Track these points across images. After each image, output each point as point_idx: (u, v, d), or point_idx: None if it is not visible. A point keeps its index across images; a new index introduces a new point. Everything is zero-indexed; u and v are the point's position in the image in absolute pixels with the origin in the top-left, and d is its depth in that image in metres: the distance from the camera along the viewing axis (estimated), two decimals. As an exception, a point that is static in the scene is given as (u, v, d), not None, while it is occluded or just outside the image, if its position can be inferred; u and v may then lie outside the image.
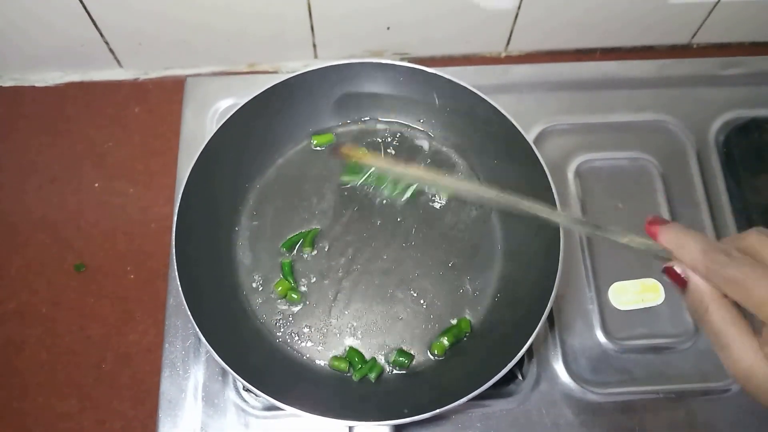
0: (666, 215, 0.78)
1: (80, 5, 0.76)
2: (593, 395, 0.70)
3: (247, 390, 0.70)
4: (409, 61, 0.74)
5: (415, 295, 0.72)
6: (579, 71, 0.87)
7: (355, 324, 0.71)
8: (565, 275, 0.65)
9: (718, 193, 0.80)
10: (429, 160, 0.78)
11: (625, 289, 0.75)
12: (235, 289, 0.71)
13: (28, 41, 0.83)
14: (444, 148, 0.79)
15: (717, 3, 0.83)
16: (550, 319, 0.73)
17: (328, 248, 0.74)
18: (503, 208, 0.56)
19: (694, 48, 0.92)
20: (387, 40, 0.87)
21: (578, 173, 0.81)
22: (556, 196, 0.66)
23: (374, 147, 0.79)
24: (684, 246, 0.41)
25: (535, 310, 0.62)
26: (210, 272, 0.69)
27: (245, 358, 0.64)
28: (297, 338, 0.70)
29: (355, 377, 0.67)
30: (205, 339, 0.60)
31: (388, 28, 0.85)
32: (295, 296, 0.71)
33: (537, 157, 0.68)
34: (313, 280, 0.72)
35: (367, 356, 0.69)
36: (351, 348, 0.69)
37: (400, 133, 0.80)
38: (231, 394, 0.70)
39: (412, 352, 0.69)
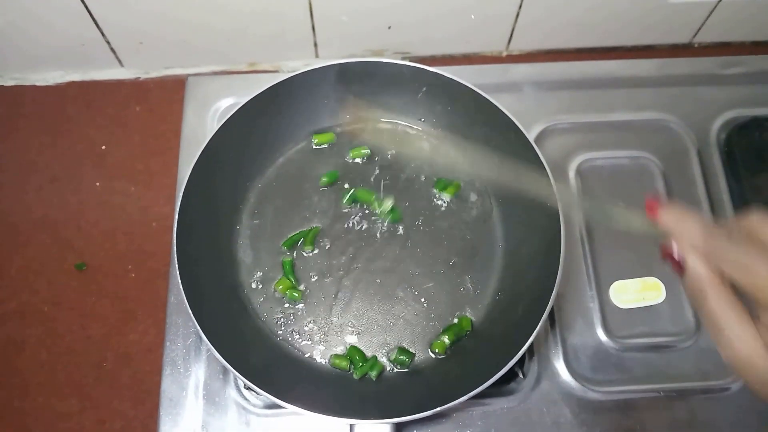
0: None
1: (81, 5, 0.76)
2: (594, 393, 0.70)
3: (248, 388, 0.69)
4: (410, 61, 0.74)
5: (416, 293, 0.72)
6: (580, 70, 0.87)
7: (356, 322, 0.71)
8: (566, 274, 0.65)
9: (719, 191, 0.80)
10: (430, 160, 0.78)
11: (626, 288, 0.75)
12: (236, 288, 0.71)
13: (29, 41, 0.83)
14: (445, 148, 0.79)
15: (718, 3, 0.83)
16: (551, 317, 0.73)
17: (329, 247, 0.74)
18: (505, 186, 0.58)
19: (696, 47, 0.92)
20: (388, 40, 0.87)
21: (579, 172, 0.81)
22: (557, 194, 0.66)
23: (375, 147, 0.79)
24: (684, 228, 0.40)
25: (535, 308, 0.62)
26: (211, 271, 0.69)
27: (246, 357, 0.64)
28: (298, 336, 0.70)
29: (356, 375, 0.67)
30: (206, 337, 0.60)
31: (389, 28, 0.85)
32: (296, 295, 0.71)
33: (538, 156, 0.68)
34: (314, 278, 0.72)
35: (368, 354, 0.69)
36: (352, 346, 0.69)
37: (401, 132, 0.80)
38: (232, 392, 0.70)
39: (412, 351, 0.69)
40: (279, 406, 0.61)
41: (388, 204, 0.74)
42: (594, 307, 0.74)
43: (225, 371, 0.71)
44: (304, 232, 0.74)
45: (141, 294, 0.77)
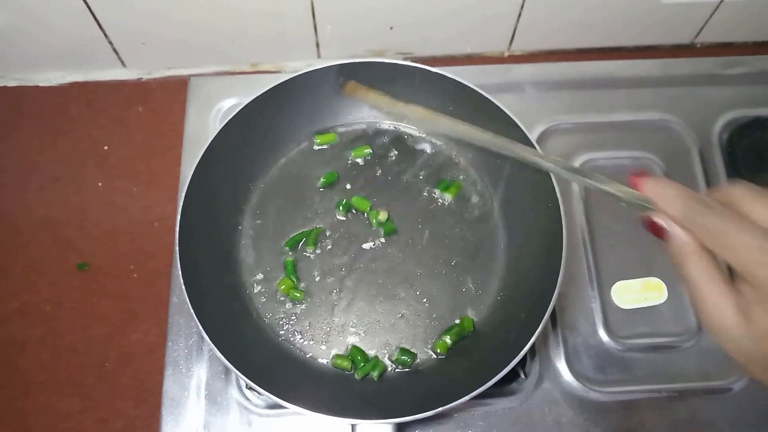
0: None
1: (84, 5, 0.76)
2: (596, 394, 0.70)
3: (250, 388, 0.70)
4: (412, 61, 0.75)
5: (417, 293, 0.72)
6: (582, 71, 0.87)
7: (357, 322, 0.71)
8: (568, 274, 0.65)
9: (721, 192, 0.80)
10: (431, 160, 0.78)
11: (628, 288, 0.75)
12: (237, 288, 0.72)
13: (32, 41, 0.83)
14: (446, 148, 0.79)
15: (720, 3, 0.83)
16: (553, 317, 0.73)
17: (331, 247, 0.74)
18: (490, 148, 0.59)
19: (697, 47, 0.92)
20: (390, 40, 0.88)
21: (581, 172, 0.80)
22: (558, 195, 0.66)
23: (376, 146, 0.79)
24: (666, 195, 0.41)
25: (537, 308, 0.62)
26: (213, 271, 0.69)
27: (248, 357, 0.64)
28: (300, 336, 0.70)
29: (358, 375, 0.67)
30: (208, 337, 0.61)
31: (391, 28, 0.85)
32: (298, 295, 0.71)
33: (540, 156, 0.67)
34: (316, 278, 0.72)
35: (370, 355, 0.69)
36: (354, 346, 0.69)
37: (403, 132, 0.80)
38: (234, 392, 0.70)
39: (414, 351, 0.69)
40: (281, 406, 0.61)
41: (383, 216, 0.74)
42: (596, 307, 0.74)
43: (227, 371, 0.71)
44: (306, 232, 0.74)
45: (143, 294, 0.77)
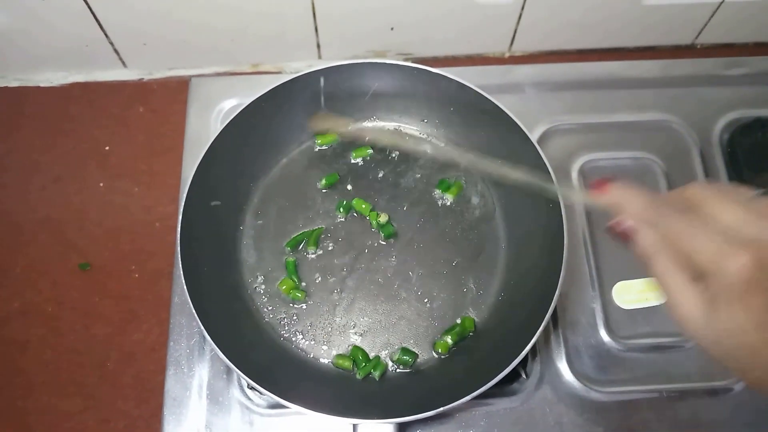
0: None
1: (85, 6, 0.76)
2: (597, 394, 0.70)
3: (252, 388, 0.70)
4: (413, 62, 0.75)
5: (419, 293, 0.72)
6: (583, 71, 0.87)
7: (359, 322, 0.71)
8: (569, 274, 0.65)
9: (722, 192, 0.80)
10: (432, 161, 0.78)
11: (629, 288, 0.75)
12: (239, 288, 0.72)
13: (33, 42, 0.83)
14: (447, 148, 0.79)
15: (720, 3, 0.83)
16: (554, 317, 0.73)
17: (333, 247, 0.74)
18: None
19: (698, 48, 0.93)
20: (390, 41, 0.88)
21: (582, 173, 0.81)
22: (559, 195, 0.66)
23: (377, 147, 0.79)
24: (629, 199, 0.43)
25: (538, 308, 0.62)
26: (214, 271, 0.69)
27: (249, 357, 0.64)
28: (301, 337, 0.70)
29: (359, 375, 0.67)
30: (210, 337, 0.61)
31: (392, 29, 0.85)
32: (300, 295, 0.71)
33: (541, 157, 0.68)
34: (318, 279, 0.72)
35: (371, 354, 0.69)
36: (355, 346, 0.69)
37: (404, 132, 0.80)
38: (235, 392, 0.70)
39: (415, 351, 0.69)
40: (282, 406, 0.61)
41: (383, 219, 0.74)
42: (597, 307, 0.74)
43: (228, 371, 0.71)
44: (307, 232, 0.74)
45: (144, 294, 0.78)
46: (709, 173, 0.81)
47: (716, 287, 0.38)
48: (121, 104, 0.87)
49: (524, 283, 0.70)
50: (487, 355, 0.67)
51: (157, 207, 0.81)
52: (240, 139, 0.72)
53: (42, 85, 0.88)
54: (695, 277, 0.39)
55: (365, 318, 0.71)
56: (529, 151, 0.69)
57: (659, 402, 0.71)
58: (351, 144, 0.79)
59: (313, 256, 0.74)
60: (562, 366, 0.72)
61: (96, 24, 0.80)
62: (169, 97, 0.88)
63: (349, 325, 0.71)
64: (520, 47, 0.91)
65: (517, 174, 0.57)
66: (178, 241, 0.65)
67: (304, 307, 0.71)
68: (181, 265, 0.64)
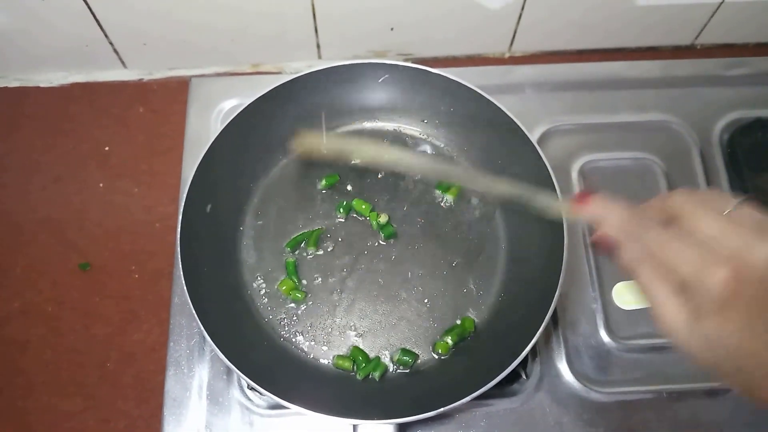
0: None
1: (85, 6, 0.76)
2: (597, 394, 0.70)
3: (252, 388, 0.70)
4: (413, 62, 0.75)
5: (419, 294, 0.72)
6: (583, 71, 0.87)
7: (359, 323, 0.71)
8: (569, 275, 0.65)
9: (722, 192, 0.80)
10: (432, 160, 0.78)
11: (629, 289, 0.75)
12: (239, 288, 0.72)
13: (33, 42, 0.83)
14: (447, 148, 0.79)
15: (721, 4, 0.83)
16: (554, 318, 0.73)
17: (332, 248, 0.74)
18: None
19: (698, 48, 0.93)
20: (390, 41, 0.88)
21: (582, 173, 0.81)
22: (560, 195, 0.66)
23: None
24: (610, 213, 0.44)
25: (539, 309, 0.62)
26: (214, 271, 0.69)
27: (249, 357, 0.64)
28: (301, 337, 0.70)
29: (359, 376, 0.67)
30: (210, 338, 0.61)
31: (392, 29, 0.85)
32: (299, 295, 0.71)
33: (541, 157, 0.68)
34: (318, 279, 0.72)
35: (371, 355, 0.69)
36: (355, 347, 0.69)
37: (404, 133, 0.80)
38: (235, 392, 0.70)
39: (416, 351, 0.69)
40: (282, 407, 0.61)
41: (383, 219, 0.74)
42: (597, 308, 0.74)
43: (228, 371, 0.71)
44: (307, 233, 0.74)
45: (144, 294, 0.78)
46: (709, 173, 0.81)
47: (698, 299, 0.38)
48: (122, 104, 0.88)
49: (524, 283, 0.70)
50: (487, 356, 0.67)
51: (157, 207, 0.81)
52: (240, 139, 0.72)
53: (42, 85, 0.88)
54: (679, 287, 0.39)
55: (365, 318, 0.71)
56: (529, 151, 0.69)
57: (659, 402, 0.71)
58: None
59: (313, 256, 0.74)
60: (562, 366, 0.72)
61: (96, 24, 0.79)
62: (169, 98, 0.88)
63: (349, 325, 0.71)
64: (520, 47, 0.91)
65: (501, 186, 0.57)
66: (178, 242, 0.65)
67: (304, 307, 0.71)
68: (181, 266, 0.64)
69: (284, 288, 0.71)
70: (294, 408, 0.58)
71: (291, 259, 0.73)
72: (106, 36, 0.82)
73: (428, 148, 0.79)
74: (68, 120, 0.86)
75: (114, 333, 0.76)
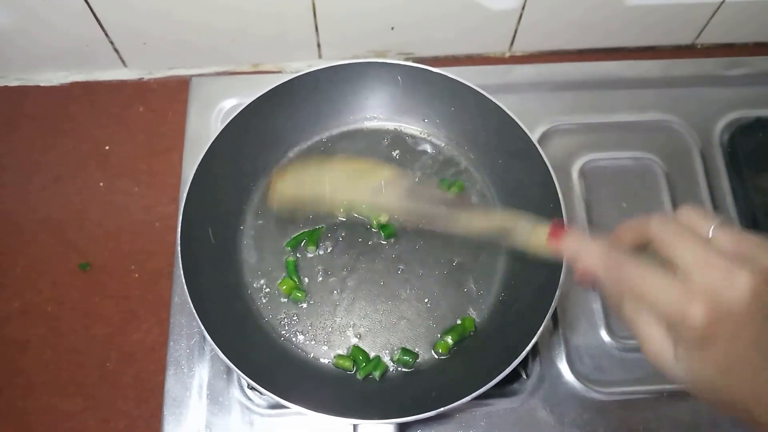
0: (670, 215, 0.78)
1: (85, 5, 0.76)
2: (597, 394, 0.70)
3: (252, 388, 0.70)
4: (414, 61, 0.75)
5: (419, 293, 0.72)
6: (583, 71, 0.87)
7: (359, 322, 0.71)
8: (570, 274, 0.64)
9: (723, 192, 0.80)
10: (433, 161, 0.78)
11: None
12: (239, 288, 0.72)
13: (33, 41, 0.83)
14: (448, 148, 0.79)
15: (721, 3, 0.83)
16: (555, 318, 0.73)
17: (333, 247, 0.74)
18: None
19: (698, 48, 0.92)
20: (391, 40, 0.88)
21: (583, 173, 0.81)
22: (560, 195, 0.66)
23: (378, 147, 0.79)
24: (584, 251, 0.44)
25: (539, 308, 0.62)
26: (215, 271, 0.69)
27: (250, 357, 0.64)
28: (301, 337, 0.70)
29: (360, 375, 0.67)
30: (210, 337, 0.61)
31: (393, 28, 0.85)
32: (300, 295, 0.71)
33: (542, 157, 0.68)
34: (318, 278, 0.72)
35: (372, 355, 0.69)
36: (355, 346, 0.69)
37: (404, 132, 0.80)
38: (236, 392, 0.70)
39: (416, 351, 0.69)
40: (282, 406, 0.61)
41: (384, 219, 0.74)
42: (597, 307, 0.74)
43: (229, 371, 0.71)
44: (307, 232, 0.74)
45: (144, 294, 0.77)
46: (709, 173, 0.81)
47: (678, 334, 0.38)
48: (122, 104, 0.87)
49: (525, 283, 0.70)
50: (487, 356, 0.67)
51: (157, 207, 0.81)
52: (240, 138, 0.72)
53: (42, 84, 0.88)
54: (662, 320, 0.39)
55: (366, 318, 0.71)
56: (529, 151, 0.69)
57: (659, 402, 0.70)
58: (353, 145, 0.79)
59: (313, 256, 0.74)
60: (563, 366, 0.71)
61: (96, 24, 0.79)
62: (169, 97, 0.88)
63: (349, 325, 0.71)
64: (521, 47, 0.91)
65: (479, 222, 0.56)
66: (179, 241, 0.65)
67: (305, 307, 0.71)
68: (181, 265, 0.64)
69: (284, 287, 0.71)
70: (294, 408, 0.58)
71: (291, 259, 0.73)
72: (106, 35, 0.82)
73: (429, 147, 0.79)
74: (68, 119, 0.86)
75: (114, 333, 0.76)
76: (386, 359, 0.69)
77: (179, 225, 0.65)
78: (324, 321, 0.71)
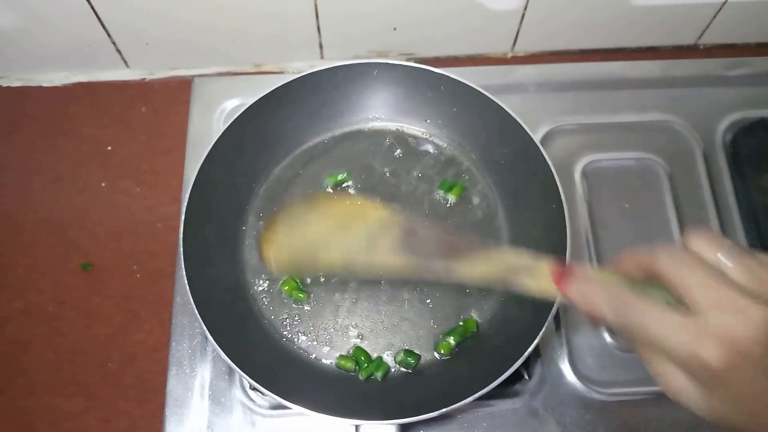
0: (672, 215, 0.78)
1: (87, 6, 0.76)
2: (599, 395, 0.70)
3: (254, 389, 0.69)
4: (415, 62, 0.75)
5: (421, 294, 0.72)
6: (585, 71, 0.87)
7: (361, 323, 0.71)
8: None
9: (725, 193, 0.80)
10: (434, 161, 0.78)
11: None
12: (241, 288, 0.72)
13: (35, 42, 0.83)
14: (450, 148, 0.79)
15: (723, 4, 0.83)
16: (557, 318, 0.73)
17: (334, 248, 0.74)
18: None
19: (700, 49, 0.92)
20: (393, 41, 0.88)
21: (585, 173, 0.81)
22: (563, 196, 0.66)
23: (380, 148, 0.79)
24: (590, 297, 0.42)
25: (541, 309, 0.62)
26: (217, 271, 0.69)
27: (252, 357, 0.64)
28: (303, 337, 0.70)
29: (362, 376, 0.67)
30: (212, 338, 0.61)
31: (395, 29, 0.85)
32: (302, 295, 0.71)
33: (544, 158, 0.68)
34: (320, 279, 0.72)
35: (374, 355, 0.69)
36: (357, 347, 0.69)
37: (406, 133, 0.80)
38: (238, 392, 0.70)
39: (418, 352, 0.69)
40: (284, 407, 0.61)
41: None
42: (599, 308, 0.74)
43: (231, 371, 0.71)
44: (309, 232, 0.74)
45: (146, 294, 0.77)
46: (712, 174, 0.81)
47: (693, 374, 0.37)
48: (123, 104, 0.87)
49: (527, 283, 0.70)
50: (489, 356, 0.67)
51: (159, 207, 0.81)
52: (242, 139, 0.72)
53: (44, 85, 0.88)
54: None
55: (367, 319, 0.71)
56: (531, 151, 0.69)
57: (661, 403, 0.70)
58: (353, 145, 0.79)
59: (316, 256, 0.73)
60: (565, 367, 0.71)
61: (98, 24, 0.79)
62: (171, 97, 0.88)
63: (351, 325, 0.70)
64: (523, 47, 0.91)
65: (480, 270, 0.51)
66: (181, 242, 0.65)
67: (307, 307, 0.71)
68: (183, 266, 0.64)
69: (287, 288, 0.71)
70: (296, 408, 0.58)
71: (293, 259, 0.73)
72: (108, 36, 0.82)
73: (431, 148, 0.79)
74: (70, 120, 0.86)
75: (115, 333, 0.76)
76: (388, 360, 0.69)
77: (181, 225, 0.65)
78: (326, 322, 0.71)
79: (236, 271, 0.72)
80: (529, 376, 0.71)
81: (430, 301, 0.71)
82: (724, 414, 0.38)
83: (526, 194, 0.73)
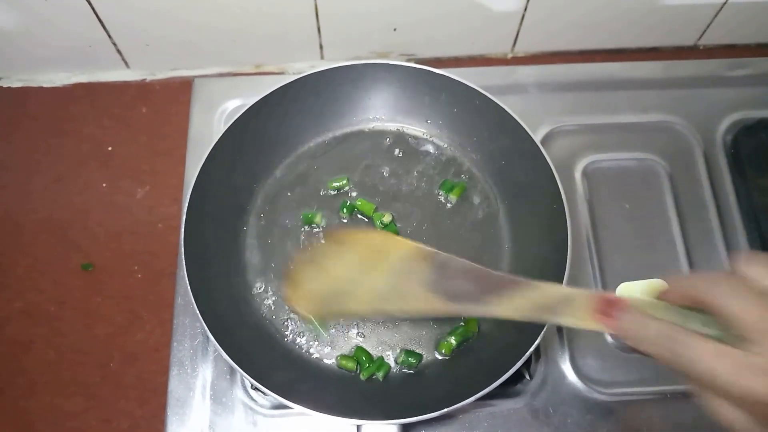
0: (673, 216, 0.78)
1: (88, 6, 0.76)
2: (600, 395, 0.70)
3: (255, 388, 0.69)
4: (416, 63, 0.75)
5: (422, 294, 0.72)
6: (586, 72, 0.87)
7: (362, 323, 0.71)
8: (573, 275, 0.65)
9: (726, 193, 0.80)
10: (435, 161, 0.78)
11: (632, 290, 0.74)
12: (243, 289, 0.72)
13: (36, 42, 0.83)
14: (450, 149, 0.79)
15: (724, 4, 0.83)
16: (558, 319, 0.73)
17: (335, 248, 0.74)
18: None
19: (701, 49, 0.92)
20: (393, 41, 0.88)
21: (585, 174, 0.81)
22: (564, 196, 0.66)
23: (381, 148, 0.79)
24: (635, 335, 0.41)
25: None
26: (218, 272, 0.69)
27: (253, 357, 0.64)
28: (305, 337, 0.70)
29: (363, 376, 0.67)
30: (214, 338, 0.61)
31: (395, 29, 0.85)
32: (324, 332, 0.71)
33: (545, 158, 0.68)
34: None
35: (375, 355, 0.69)
36: (359, 347, 0.69)
37: (407, 133, 0.80)
38: (239, 392, 0.70)
39: (419, 352, 0.69)
40: (286, 407, 0.61)
41: (387, 218, 0.74)
42: (600, 308, 0.74)
43: (232, 371, 0.71)
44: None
45: (147, 294, 0.77)
46: (712, 174, 0.81)
47: (751, 411, 0.36)
48: (124, 105, 0.87)
49: (528, 283, 0.70)
50: (490, 357, 0.67)
51: (160, 207, 0.81)
52: (243, 139, 0.72)
53: (45, 85, 0.88)
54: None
55: (369, 319, 0.71)
56: (532, 152, 0.69)
57: (663, 403, 0.70)
58: (354, 146, 0.79)
59: (317, 256, 0.73)
60: (566, 367, 0.71)
61: (99, 24, 0.79)
62: (171, 98, 0.88)
63: (352, 325, 0.70)
64: (523, 48, 0.91)
65: (510, 308, 0.49)
66: (182, 242, 0.65)
67: (308, 307, 0.71)
68: (184, 266, 0.64)
69: (312, 326, 0.71)
70: (297, 408, 0.58)
71: (294, 260, 0.73)
72: (109, 36, 0.82)
73: (431, 148, 0.79)
74: (70, 120, 0.86)
75: (116, 333, 0.76)
76: (389, 360, 0.69)
77: (182, 226, 0.65)
78: (327, 321, 0.71)
79: (237, 271, 0.72)
80: (530, 376, 0.71)
81: (431, 301, 0.71)
82: None
83: (526, 194, 0.73)
